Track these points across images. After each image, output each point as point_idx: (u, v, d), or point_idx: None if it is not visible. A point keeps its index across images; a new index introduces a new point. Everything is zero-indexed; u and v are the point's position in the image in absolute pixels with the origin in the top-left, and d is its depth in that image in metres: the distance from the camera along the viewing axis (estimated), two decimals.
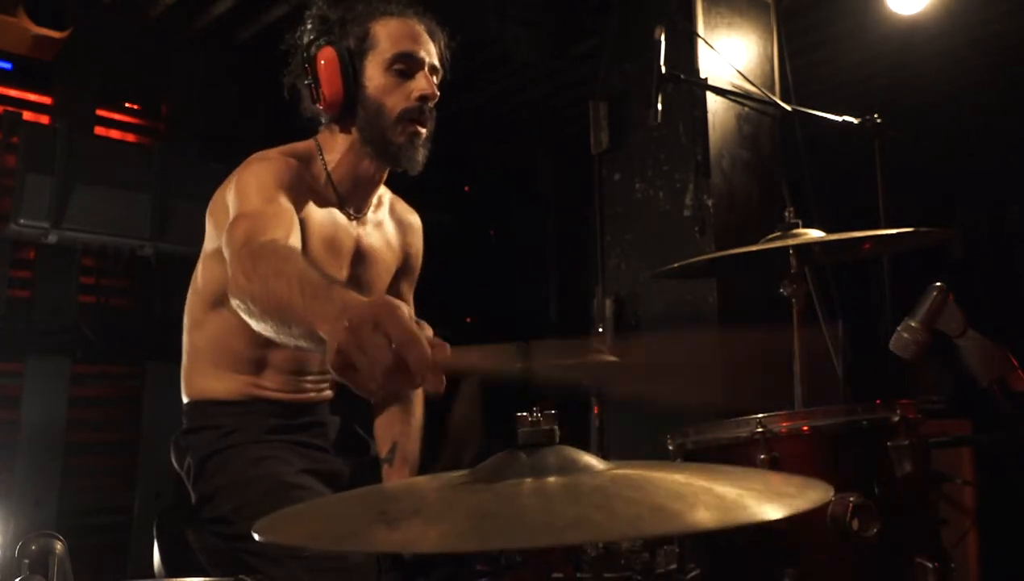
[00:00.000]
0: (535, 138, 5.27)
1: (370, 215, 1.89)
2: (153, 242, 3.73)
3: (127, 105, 4.11)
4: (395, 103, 1.73)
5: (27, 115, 3.71)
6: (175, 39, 4.12)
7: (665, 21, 2.69)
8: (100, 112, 3.99)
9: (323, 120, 1.83)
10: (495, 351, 1.02)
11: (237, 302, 1.31)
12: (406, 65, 1.74)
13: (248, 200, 1.61)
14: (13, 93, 3.80)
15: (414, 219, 2.03)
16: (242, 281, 1.31)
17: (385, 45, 1.74)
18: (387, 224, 1.95)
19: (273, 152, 1.76)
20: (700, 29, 3.14)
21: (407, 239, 2.00)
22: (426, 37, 1.78)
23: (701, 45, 3.13)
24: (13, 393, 3.60)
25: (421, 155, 1.77)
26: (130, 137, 4.11)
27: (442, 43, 1.82)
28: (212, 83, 4.20)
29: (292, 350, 1.82)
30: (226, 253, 1.49)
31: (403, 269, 2.00)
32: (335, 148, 1.81)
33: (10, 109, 3.67)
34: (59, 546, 1.58)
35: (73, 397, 3.70)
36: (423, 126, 1.75)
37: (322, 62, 1.73)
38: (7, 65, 3.76)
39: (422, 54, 1.76)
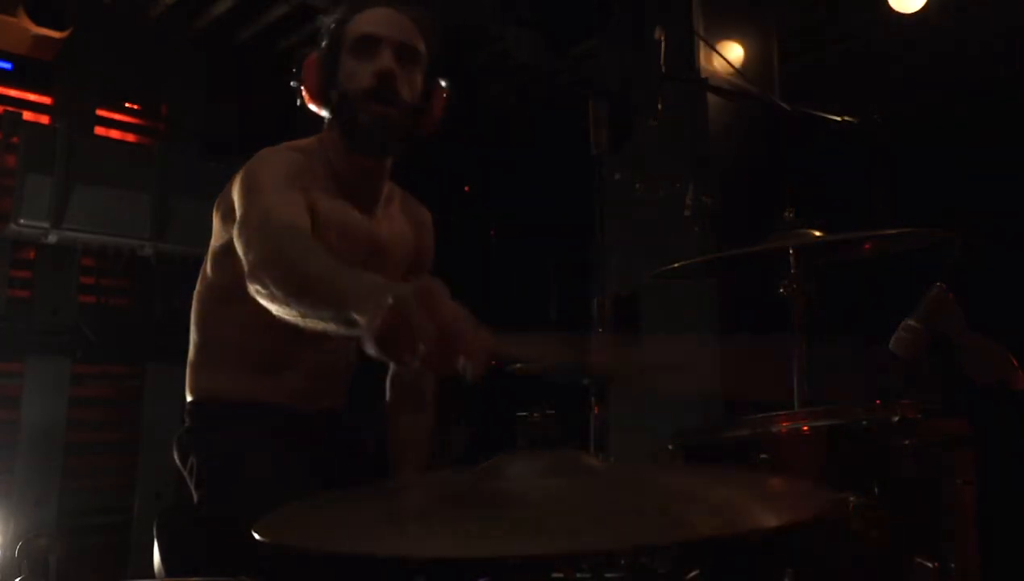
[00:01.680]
0: (535, 138, 5.27)
1: (380, 211, 1.88)
2: (153, 242, 3.73)
3: (127, 105, 4.12)
4: (356, 83, 1.71)
5: (27, 115, 3.71)
6: (175, 39, 4.12)
7: (665, 21, 2.69)
8: (100, 112, 3.99)
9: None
10: (541, 342, 1.03)
11: (257, 286, 1.29)
12: (368, 46, 1.72)
13: (260, 189, 1.59)
14: (13, 93, 3.80)
15: (424, 215, 2.02)
16: (265, 263, 1.29)
17: (352, 31, 1.74)
18: (398, 220, 1.93)
19: (280, 147, 1.76)
20: (700, 29, 3.14)
21: (418, 234, 2.00)
22: (397, 20, 1.75)
23: (701, 45, 3.13)
24: (13, 393, 3.60)
25: (388, 138, 1.73)
26: (130, 137, 4.11)
27: (428, 31, 1.79)
28: (212, 83, 4.20)
29: (299, 351, 1.82)
30: (240, 241, 1.47)
31: (415, 265, 1.99)
32: (332, 144, 1.80)
33: (10, 109, 3.67)
34: (58, 546, 1.58)
35: (73, 397, 3.70)
36: (387, 105, 1.71)
37: (307, 63, 1.76)
38: (7, 65, 3.76)
39: (384, 33, 1.73)
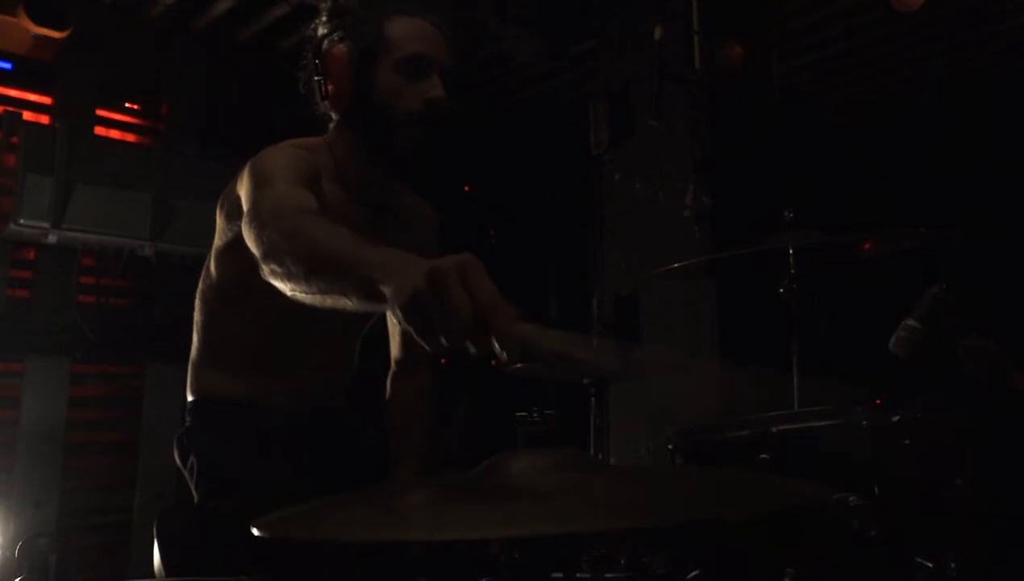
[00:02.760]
0: (535, 138, 5.27)
1: (385, 213, 1.86)
2: (153, 242, 3.73)
3: (127, 105, 4.11)
4: (404, 105, 1.68)
5: (27, 115, 3.71)
6: (175, 39, 4.12)
7: (665, 21, 2.70)
8: (100, 112, 3.99)
9: (332, 117, 1.81)
10: (581, 341, 1.00)
11: (274, 266, 1.26)
12: (418, 67, 1.68)
13: (269, 181, 1.56)
14: (13, 93, 3.80)
15: (427, 211, 2.01)
16: (282, 243, 1.27)
17: (398, 45, 1.68)
18: (400, 220, 1.90)
19: (285, 144, 1.72)
20: (699, 29, 3.14)
21: (421, 232, 1.97)
22: (441, 39, 1.72)
23: (701, 45, 3.13)
24: (13, 393, 3.60)
25: (424, 160, 1.72)
26: (130, 137, 4.11)
27: (456, 44, 1.77)
28: (212, 83, 4.20)
29: (302, 351, 1.81)
30: (252, 227, 1.41)
31: None
32: (344, 146, 1.77)
33: (10, 109, 3.67)
34: (58, 546, 1.58)
35: (73, 397, 3.70)
36: (431, 130, 1.69)
37: (331, 59, 1.70)
38: (7, 65, 3.76)
39: (436, 56, 1.70)
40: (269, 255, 1.29)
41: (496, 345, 0.94)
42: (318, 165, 1.72)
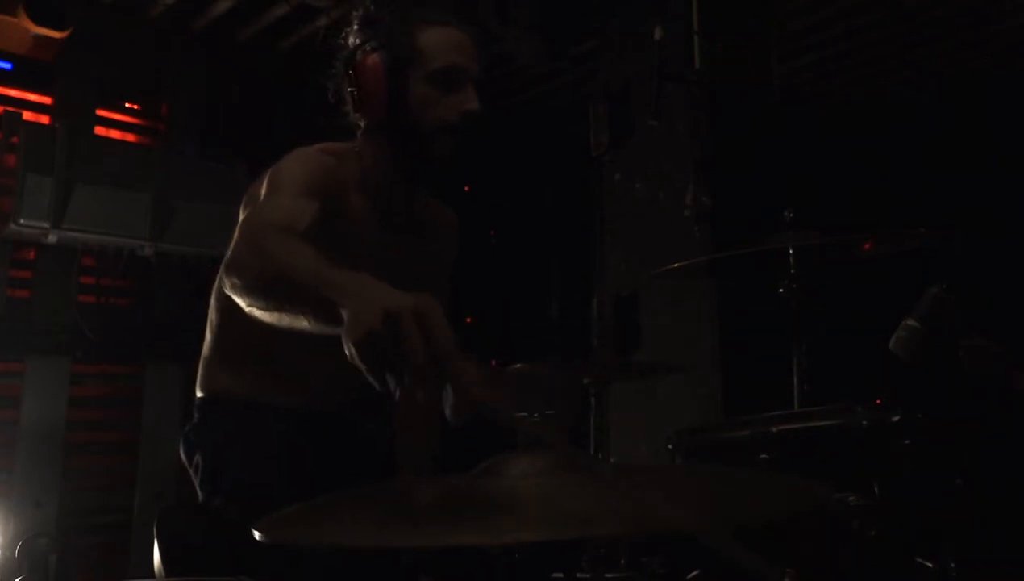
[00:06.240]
0: (535, 139, 5.27)
1: (409, 222, 1.84)
2: (153, 242, 3.73)
3: (127, 105, 4.11)
4: (438, 116, 1.68)
5: (27, 115, 3.71)
6: (175, 39, 4.12)
7: (665, 21, 2.70)
8: (100, 112, 3.99)
9: (361, 125, 1.78)
10: (538, 425, 0.98)
11: (234, 279, 1.26)
12: (452, 78, 1.69)
13: (276, 189, 1.57)
14: (13, 93, 3.80)
15: (450, 217, 1.99)
16: (245, 255, 1.26)
17: (432, 56, 1.68)
18: (422, 228, 1.89)
19: (312, 149, 1.72)
20: (699, 29, 3.14)
21: (442, 240, 1.96)
22: (473, 49, 1.73)
23: (701, 45, 3.13)
24: (13, 393, 3.60)
25: (453, 169, 1.72)
26: (130, 137, 4.11)
27: (485, 53, 1.77)
28: (212, 83, 4.20)
29: (317, 352, 1.80)
30: (236, 232, 1.43)
31: (439, 270, 1.96)
32: (371, 154, 1.76)
33: (10, 109, 3.68)
34: (58, 546, 1.58)
35: (73, 397, 3.70)
36: (462, 140, 1.70)
37: (364, 69, 1.68)
38: (7, 65, 3.76)
39: (469, 67, 1.70)
40: (231, 267, 1.29)
41: (450, 397, 0.92)
42: (343, 173, 1.71)
